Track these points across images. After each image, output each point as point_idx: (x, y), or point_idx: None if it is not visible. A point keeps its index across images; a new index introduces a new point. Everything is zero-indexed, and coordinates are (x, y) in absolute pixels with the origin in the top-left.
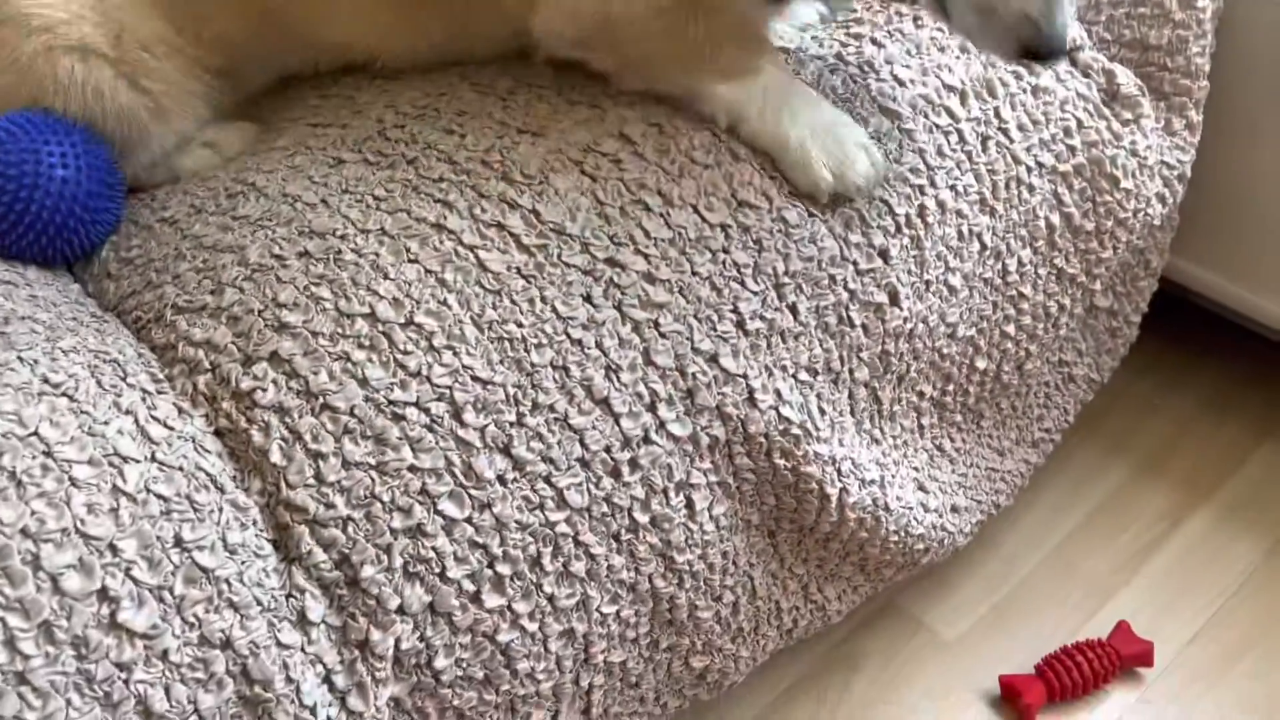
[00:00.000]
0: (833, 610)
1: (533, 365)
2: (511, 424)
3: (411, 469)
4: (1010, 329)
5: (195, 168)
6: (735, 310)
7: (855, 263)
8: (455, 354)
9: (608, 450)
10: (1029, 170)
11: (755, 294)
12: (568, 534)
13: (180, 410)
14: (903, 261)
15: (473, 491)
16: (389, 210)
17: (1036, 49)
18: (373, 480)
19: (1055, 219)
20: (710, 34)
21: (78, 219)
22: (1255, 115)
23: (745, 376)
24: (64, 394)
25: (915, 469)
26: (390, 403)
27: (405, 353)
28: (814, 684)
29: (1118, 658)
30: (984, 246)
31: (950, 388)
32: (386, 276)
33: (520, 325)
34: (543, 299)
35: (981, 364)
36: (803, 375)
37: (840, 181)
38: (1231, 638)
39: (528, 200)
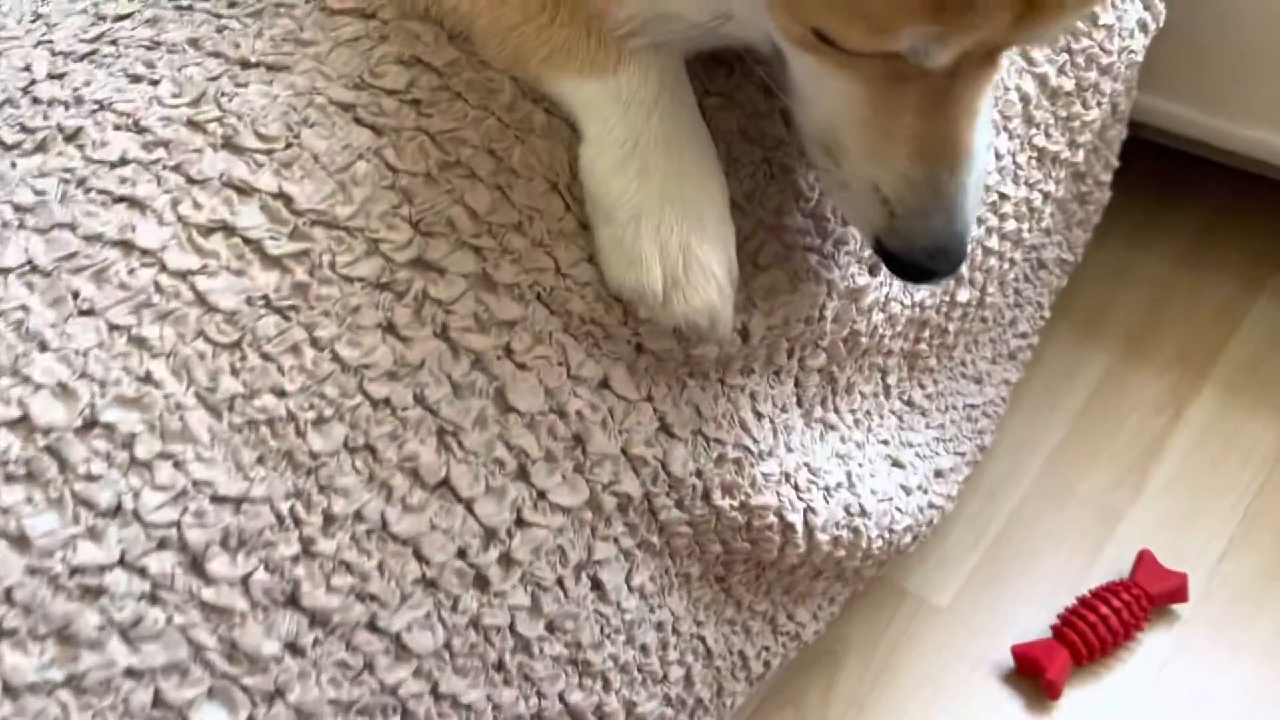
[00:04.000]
0: (809, 632)
1: (313, 455)
2: (293, 559)
3: (130, 673)
4: (994, 242)
5: None
6: (636, 332)
7: (818, 247)
8: (178, 464)
9: (462, 555)
10: None
11: None
12: (420, 692)
13: None
14: None
15: (248, 681)
16: (39, 228)
17: (887, 248)
18: (64, 709)
19: (1028, 86)
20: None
21: None
22: None
23: (652, 399)
24: None
25: (884, 441)
26: (76, 570)
27: (90, 477)
28: (791, 688)
29: (1147, 599)
30: None
31: (926, 333)
32: (44, 347)
33: (282, 394)
34: (314, 342)
35: (964, 296)
36: (732, 379)
37: (666, 305)
38: (1269, 542)
39: (269, 178)
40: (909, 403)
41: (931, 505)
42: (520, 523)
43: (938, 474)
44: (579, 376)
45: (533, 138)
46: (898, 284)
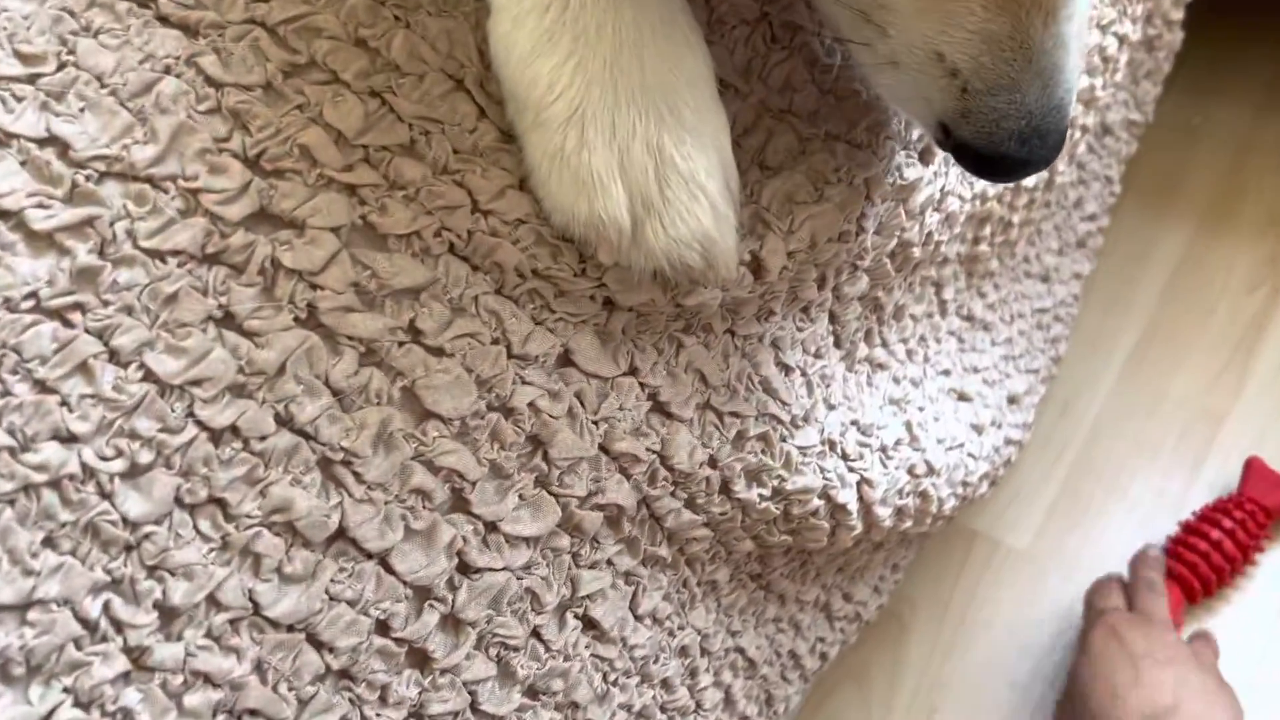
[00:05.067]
0: (871, 610)
1: (130, 524)
2: (119, 679)
3: None
4: None
5: None
6: (600, 283)
7: (845, 134)
8: None
9: (384, 629)
10: None
11: None
12: None
13: None
14: None
15: None
16: None
17: (960, 137)
18: None
19: None
20: None
21: None
22: None
23: (636, 371)
24: None
25: (945, 371)
26: None
27: None
28: (851, 659)
29: (1263, 514)
30: None
31: (987, 230)
32: None
33: (71, 440)
34: (112, 355)
35: (1030, 179)
36: (746, 327)
37: (638, 240)
38: None
39: (32, 117)
40: (969, 318)
41: (1008, 441)
42: (465, 570)
43: (1011, 401)
44: (526, 355)
45: (420, 16)
46: (955, 172)
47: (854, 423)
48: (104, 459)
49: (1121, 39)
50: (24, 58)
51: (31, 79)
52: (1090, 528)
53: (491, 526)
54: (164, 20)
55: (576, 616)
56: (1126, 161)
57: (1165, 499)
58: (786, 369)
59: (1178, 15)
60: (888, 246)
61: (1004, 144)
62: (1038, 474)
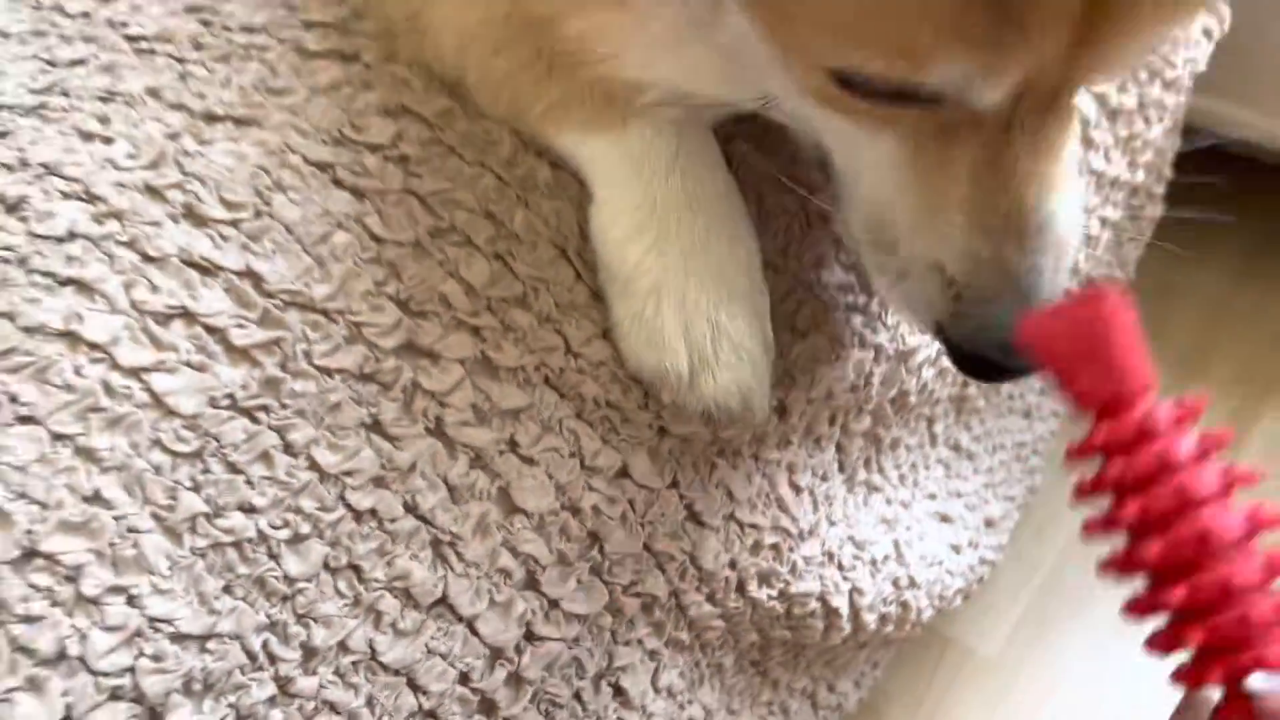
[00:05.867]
0: (852, 702)
1: (289, 580)
2: (269, 701)
3: None
4: None
5: None
6: (658, 416)
7: (862, 306)
8: (132, 600)
9: (465, 680)
10: None
11: None
12: None
13: None
14: None
15: None
16: None
17: (949, 337)
18: None
19: (1086, 107)
20: (547, 56)
21: None
22: None
23: (677, 485)
24: None
25: (931, 495)
26: None
27: (29, 619)
28: None
29: None
30: None
31: None
32: None
33: (251, 510)
34: (287, 448)
35: None
36: (768, 453)
37: (693, 388)
38: None
39: (235, 254)
40: (956, 448)
41: (983, 561)
42: (530, 637)
43: (988, 524)
44: (594, 467)
45: (536, 197)
46: None
47: (850, 538)
48: (274, 528)
49: (1104, 220)
50: (228, 204)
51: (234, 223)
52: (1054, 643)
53: (554, 604)
54: (338, 184)
55: (609, 684)
56: None
57: (1124, 626)
58: (798, 489)
59: (1159, 190)
60: (889, 394)
61: (985, 349)
62: (1010, 590)
